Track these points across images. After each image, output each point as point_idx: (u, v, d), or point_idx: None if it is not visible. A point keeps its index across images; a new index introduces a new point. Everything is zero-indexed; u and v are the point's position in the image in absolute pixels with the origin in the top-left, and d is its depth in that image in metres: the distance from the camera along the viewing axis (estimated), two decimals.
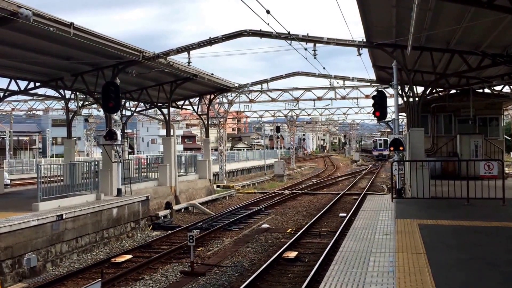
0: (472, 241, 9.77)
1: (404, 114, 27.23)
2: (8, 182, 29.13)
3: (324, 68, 23.99)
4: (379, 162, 76.48)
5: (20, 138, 74.03)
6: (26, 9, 12.86)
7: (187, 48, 19.04)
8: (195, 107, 33.18)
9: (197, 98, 32.51)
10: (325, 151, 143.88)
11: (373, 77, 27.08)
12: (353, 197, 29.48)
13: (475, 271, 7.57)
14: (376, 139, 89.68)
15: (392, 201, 16.06)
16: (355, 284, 7.26)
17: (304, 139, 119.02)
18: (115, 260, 14.37)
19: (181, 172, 28.96)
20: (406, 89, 20.25)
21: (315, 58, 18.36)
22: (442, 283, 6.90)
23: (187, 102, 32.41)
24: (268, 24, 14.18)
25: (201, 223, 20.45)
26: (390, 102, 26.69)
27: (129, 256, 14.83)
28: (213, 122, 39.40)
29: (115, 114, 19.18)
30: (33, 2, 14.97)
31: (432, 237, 10.10)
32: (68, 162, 22.11)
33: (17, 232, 12.73)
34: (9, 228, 12.46)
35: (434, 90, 23.94)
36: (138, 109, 32.52)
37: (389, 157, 70.22)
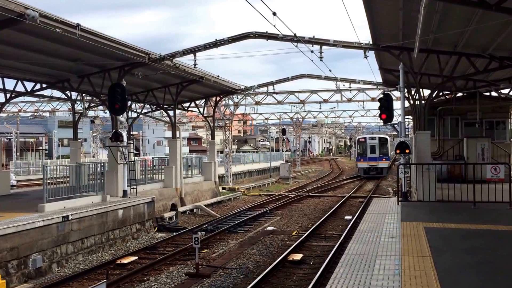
0: (478, 244, 9.69)
1: (410, 117, 27.15)
2: (15, 183, 29.22)
3: (330, 71, 23.97)
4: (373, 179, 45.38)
5: (27, 139, 74.35)
6: (33, 10, 12.92)
7: (193, 50, 19.04)
8: (201, 109, 33.19)
9: (203, 100, 32.52)
10: (331, 153, 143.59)
11: (380, 79, 27.03)
12: (359, 200, 29.40)
13: (482, 275, 7.51)
14: (365, 138, 49.83)
15: (398, 204, 15.99)
16: (361, 286, 7.23)
17: (309, 142, 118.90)
18: (120, 261, 14.40)
19: (186, 174, 28.96)
20: (413, 92, 20.19)
21: (321, 60, 18.32)
22: (448, 287, 6.85)
23: (193, 104, 32.44)
24: (274, 26, 14.16)
25: (206, 225, 20.44)
26: (397, 105, 26.59)
27: (134, 258, 14.86)
28: (219, 124, 39.41)
29: (121, 115, 19.20)
30: (40, 4, 15.06)
31: (438, 240, 10.04)
32: (74, 164, 22.19)
33: (23, 233, 12.76)
34: (15, 228, 12.50)
35: (441, 93, 23.87)
36: (144, 111, 32.58)
37: (391, 167, 53.41)
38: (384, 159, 47.91)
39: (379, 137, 49.17)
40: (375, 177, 46.12)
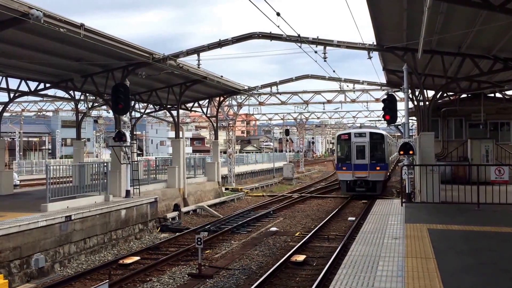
0: (482, 246, 9.65)
1: (414, 118, 27.09)
2: (18, 182, 29.27)
3: (334, 71, 23.86)
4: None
5: (30, 139, 74.43)
6: (37, 10, 12.92)
7: (197, 50, 19.03)
8: (205, 109, 33.15)
9: (207, 100, 32.48)
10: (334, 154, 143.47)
11: (384, 80, 26.96)
12: (362, 201, 29.29)
13: (485, 277, 7.47)
14: (349, 135, 30.75)
15: (402, 205, 15.93)
16: None
17: (313, 143, 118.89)
18: (123, 261, 14.37)
19: (189, 174, 28.94)
20: (417, 93, 20.16)
21: (325, 61, 18.27)
22: None
23: (196, 104, 32.42)
24: (278, 26, 14.13)
25: (209, 226, 20.41)
26: (400, 106, 26.53)
27: (137, 258, 14.83)
28: (222, 124, 39.39)
29: (125, 115, 19.20)
30: (44, 3, 15.06)
31: (442, 242, 10.00)
32: (77, 163, 22.17)
33: (26, 233, 12.75)
34: (18, 228, 12.49)
35: (445, 94, 23.80)
36: (147, 111, 32.57)
37: (389, 180, 37.94)
38: (378, 167, 29.92)
39: (371, 133, 30.84)
40: (365, 195, 29.53)
